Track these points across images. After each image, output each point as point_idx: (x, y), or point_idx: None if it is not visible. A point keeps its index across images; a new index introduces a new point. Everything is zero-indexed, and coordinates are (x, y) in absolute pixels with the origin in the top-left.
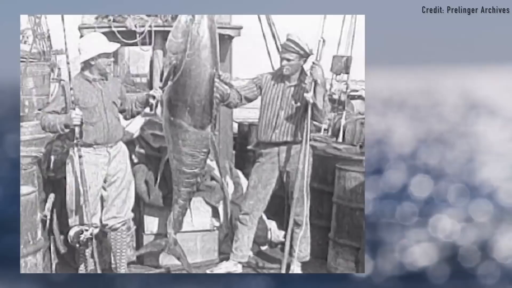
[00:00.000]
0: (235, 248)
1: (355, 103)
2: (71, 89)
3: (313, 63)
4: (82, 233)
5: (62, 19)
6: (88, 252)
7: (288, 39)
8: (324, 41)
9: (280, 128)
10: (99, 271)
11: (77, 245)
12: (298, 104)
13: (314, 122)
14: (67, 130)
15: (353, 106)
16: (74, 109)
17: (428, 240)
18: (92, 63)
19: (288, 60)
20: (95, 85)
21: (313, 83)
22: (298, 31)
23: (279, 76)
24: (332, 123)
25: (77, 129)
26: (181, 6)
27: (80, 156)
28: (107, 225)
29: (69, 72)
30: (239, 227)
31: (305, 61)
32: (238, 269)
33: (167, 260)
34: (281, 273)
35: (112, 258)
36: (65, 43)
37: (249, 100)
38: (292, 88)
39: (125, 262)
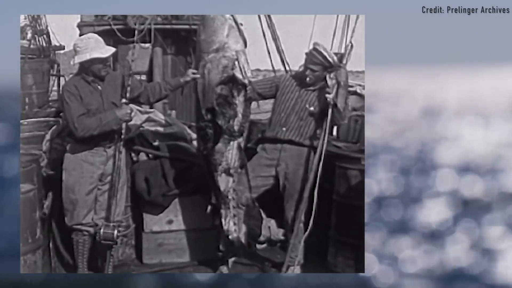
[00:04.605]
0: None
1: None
2: (75, 86)
3: (339, 65)
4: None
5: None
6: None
7: (314, 49)
8: (352, 45)
9: (289, 127)
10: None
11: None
12: (312, 109)
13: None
14: (118, 126)
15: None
16: (127, 104)
17: None
18: (86, 66)
19: (313, 71)
20: (94, 86)
21: (336, 85)
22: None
23: (298, 79)
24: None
25: (124, 125)
26: (182, 5)
27: (120, 152)
28: (97, 225)
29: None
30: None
31: (329, 72)
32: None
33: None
34: None
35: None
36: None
37: (262, 97)
38: (310, 93)
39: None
